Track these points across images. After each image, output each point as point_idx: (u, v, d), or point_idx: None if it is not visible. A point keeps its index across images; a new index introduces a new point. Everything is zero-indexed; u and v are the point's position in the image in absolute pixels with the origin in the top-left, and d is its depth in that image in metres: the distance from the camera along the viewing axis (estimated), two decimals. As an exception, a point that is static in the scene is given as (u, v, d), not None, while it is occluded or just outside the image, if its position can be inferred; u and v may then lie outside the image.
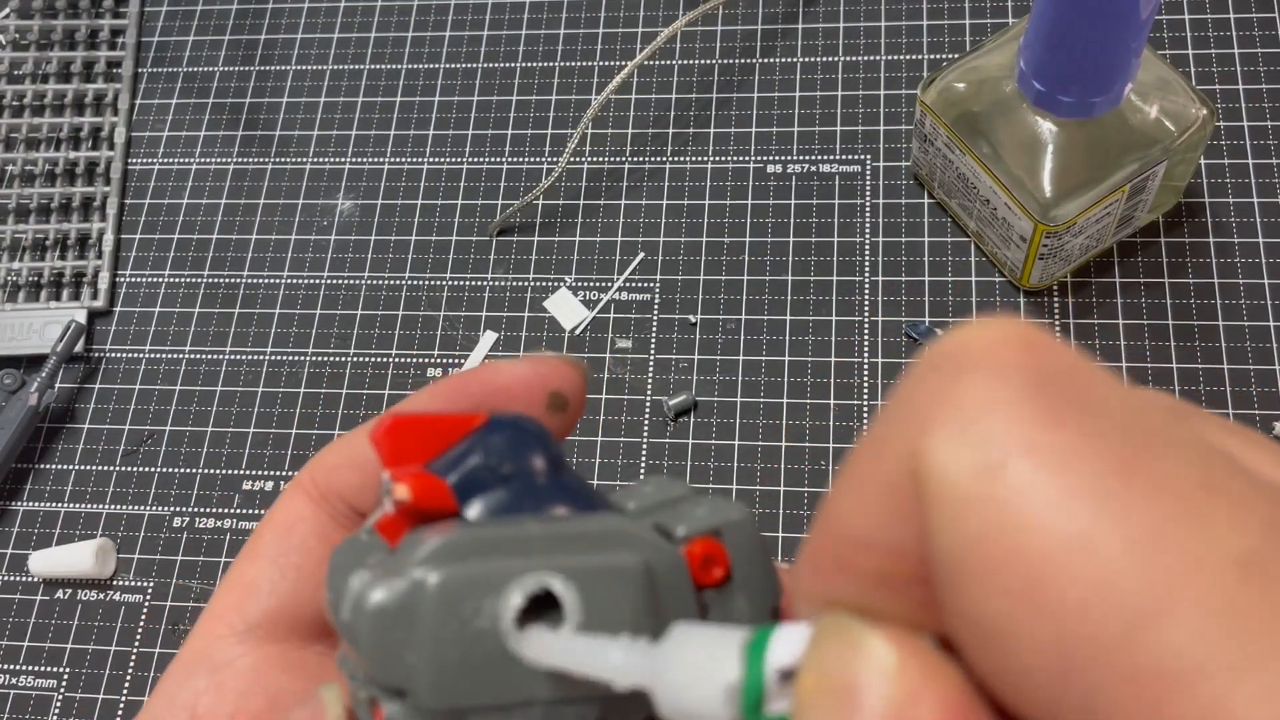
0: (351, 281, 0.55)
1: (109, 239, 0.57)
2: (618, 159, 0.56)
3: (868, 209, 0.53)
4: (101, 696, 0.49)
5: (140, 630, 0.50)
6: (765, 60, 0.57)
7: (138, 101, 0.61)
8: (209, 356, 0.55)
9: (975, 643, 0.11)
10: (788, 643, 0.13)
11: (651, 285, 0.53)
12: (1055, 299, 0.50)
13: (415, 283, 0.55)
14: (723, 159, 0.55)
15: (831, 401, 0.49)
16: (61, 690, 0.49)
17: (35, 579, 0.51)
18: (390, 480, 0.18)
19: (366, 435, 0.21)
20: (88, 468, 0.53)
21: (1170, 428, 0.11)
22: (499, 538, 0.17)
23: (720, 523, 0.18)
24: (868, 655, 0.12)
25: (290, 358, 0.54)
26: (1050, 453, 0.11)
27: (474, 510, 0.18)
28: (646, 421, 0.50)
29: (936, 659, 0.12)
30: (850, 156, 0.54)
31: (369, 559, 0.18)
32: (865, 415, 0.49)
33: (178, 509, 0.52)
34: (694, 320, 0.52)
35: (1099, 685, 0.10)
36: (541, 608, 0.16)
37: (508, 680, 0.16)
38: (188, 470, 0.52)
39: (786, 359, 0.50)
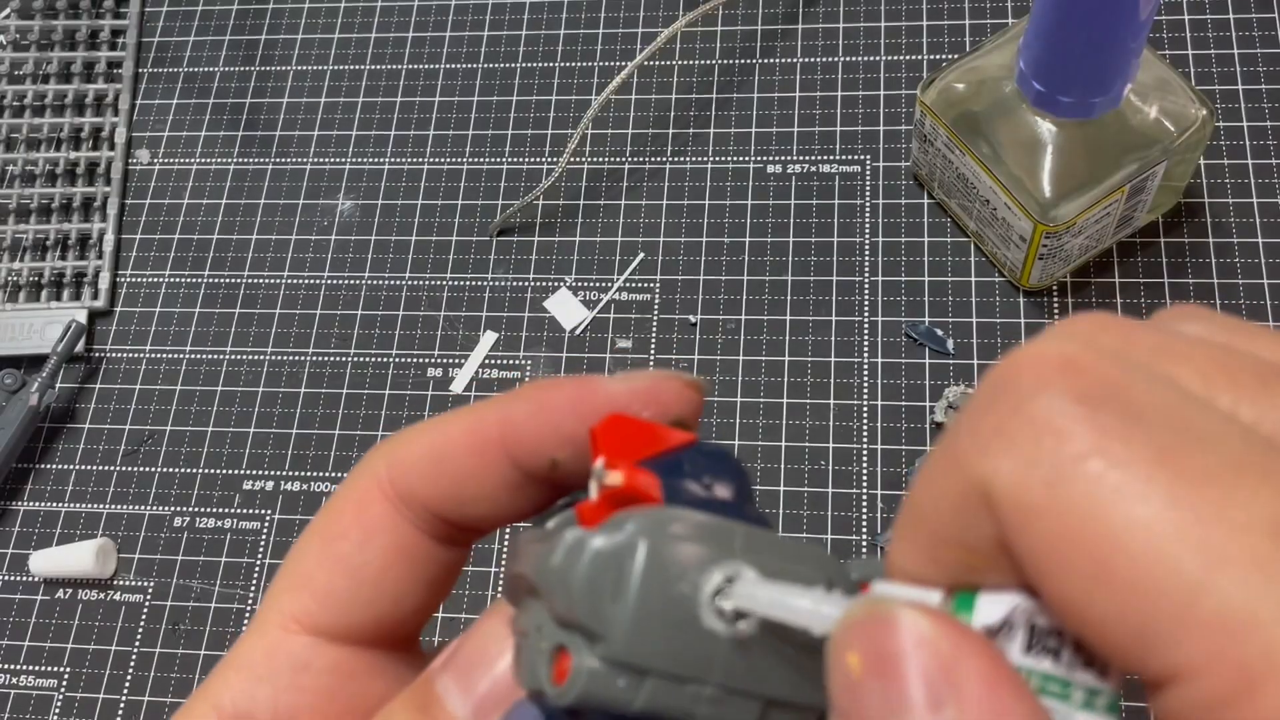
0: (351, 281, 0.55)
1: (109, 239, 0.57)
2: (618, 159, 0.56)
3: (868, 209, 0.53)
4: (102, 696, 0.49)
5: (140, 630, 0.50)
6: (765, 60, 0.57)
7: (138, 101, 0.61)
8: (209, 356, 0.55)
9: (1064, 618, 0.13)
10: (989, 605, 0.15)
11: (651, 285, 0.53)
12: (1055, 299, 0.50)
13: (415, 283, 0.55)
14: (723, 159, 0.55)
15: (831, 401, 0.49)
16: (62, 690, 0.49)
17: (36, 579, 0.51)
18: (604, 467, 0.19)
19: (446, 428, 0.21)
20: (88, 468, 0.53)
21: (1202, 420, 0.13)
22: (708, 524, 0.18)
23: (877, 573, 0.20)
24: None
25: (290, 358, 0.54)
26: (1100, 463, 0.13)
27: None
28: (646, 421, 0.50)
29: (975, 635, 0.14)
30: (850, 156, 0.54)
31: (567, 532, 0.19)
32: (865, 415, 0.49)
33: (178, 509, 0.52)
34: (694, 320, 0.52)
35: (1171, 641, 0.12)
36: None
37: (692, 654, 0.17)
38: (188, 470, 0.52)
39: (786, 359, 0.50)
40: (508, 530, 0.45)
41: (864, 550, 0.46)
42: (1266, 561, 0.12)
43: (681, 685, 0.17)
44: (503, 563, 0.49)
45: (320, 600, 0.21)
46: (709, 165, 0.55)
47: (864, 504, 0.47)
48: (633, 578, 0.17)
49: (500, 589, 0.21)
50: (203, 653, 0.49)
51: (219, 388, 0.54)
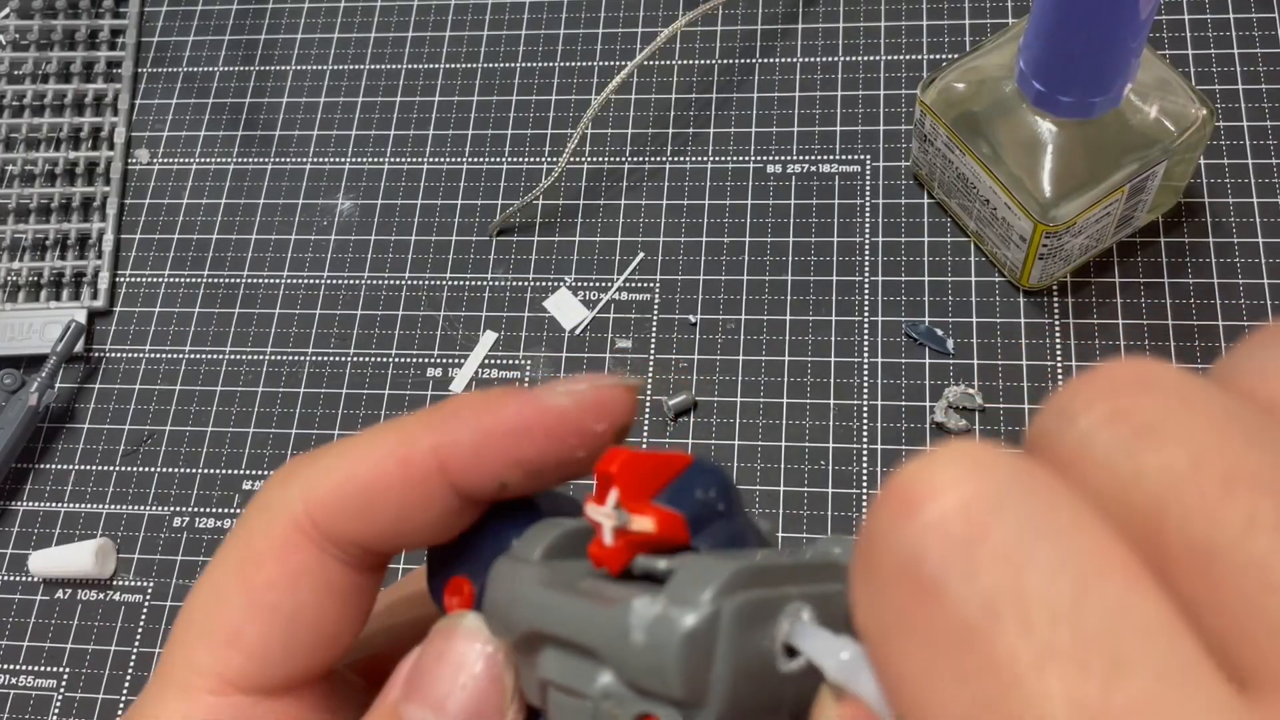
0: (351, 281, 0.55)
1: (109, 239, 0.57)
2: (618, 159, 0.56)
3: (868, 209, 0.53)
4: (101, 696, 0.49)
5: (140, 630, 0.50)
6: (765, 60, 0.57)
7: (137, 101, 0.61)
8: (209, 356, 0.55)
9: None
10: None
11: (651, 285, 0.53)
12: (1055, 299, 0.50)
13: (415, 283, 0.55)
14: (723, 159, 0.55)
15: (831, 401, 0.49)
16: (61, 690, 0.49)
17: (35, 579, 0.51)
18: (625, 511, 0.19)
19: (372, 458, 0.20)
20: (88, 468, 0.53)
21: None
22: (764, 568, 0.18)
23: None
24: None
25: (290, 358, 0.54)
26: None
27: (700, 543, 0.20)
28: (646, 421, 0.50)
29: None
30: (850, 156, 0.54)
31: (588, 584, 0.19)
32: (865, 415, 0.49)
33: (178, 509, 0.52)
34: (694, 320, 0.52)
35: (1227, 592, 0.12)
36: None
37: (771, 696, 0.18)
38: (188, 470, 0.52)
39: (786, 359, 0.50)
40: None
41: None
42: None
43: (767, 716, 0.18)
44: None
45: (255, 657, 0.19)
46: (709, 165, 0.55)
47: (864, 504, 0.47)
48: (723, 649, 0.17)
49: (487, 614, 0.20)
50: (202, 653, 0.49)
51: (219, 388, 0.54)
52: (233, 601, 0.20)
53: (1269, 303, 0.48)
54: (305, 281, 0.56)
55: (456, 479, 0.19)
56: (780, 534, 0.47)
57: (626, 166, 0.56)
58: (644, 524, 0.19)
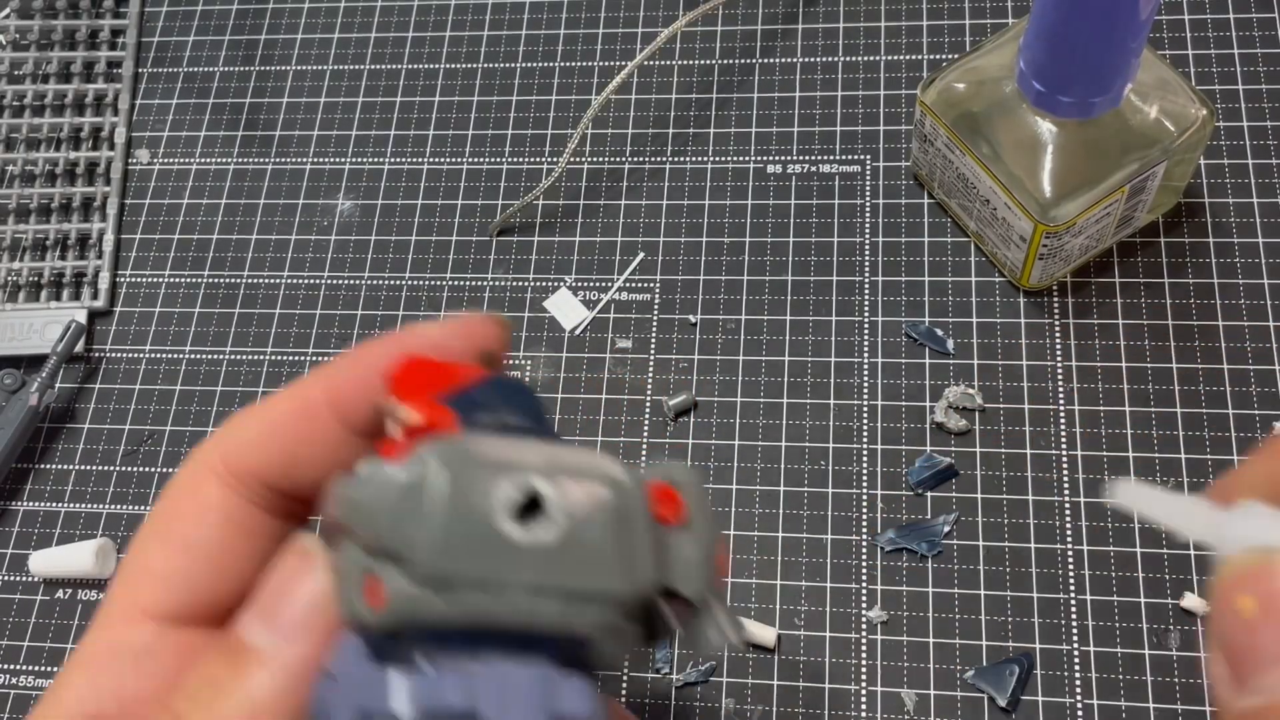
0: (351, 281, 0.55)
1: (109, 239, 0.57)
2: (618, 159, 0.56)
3: (868, 209, 0.53)
4: (101, 696, 0.49)
5: (140, 630, 0.50)
6: (765, 60, 0.57)
7: (138, 101, 0.61)
8: (209, 356, 0.55)
9: None
10: None
11: (651, 285, 0.53)
12: (1055, 299, 0.50)
13: (415, 283, 0.55)
14: (723, 159, 0.55)
15: (831, 401, 0.49)
16: (62, 690, 0.49)
17: (35, 579, 0.51)
18: (400, 404, 0.20)
19: (274, 402, 0.22)
20: (88, 468, 0.53)
21: None
22: (499, 443, 0.19)
23: (676, 475, 0.21)
24: None
25: (290, 358, 0.54)
26: None
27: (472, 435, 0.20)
28: (646, 421, 0.50)
29: None
30: (850, 156, 0.54)
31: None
32: (865, 415, 0.49)
33: (178, 509, 0.52)
34: (694, 320, 0.52)
35: None
36: (534, 505, 0.19)
37: (495, 562, 0.18)
38: (188, 470, 0.52)
39: (786, 359, 0.50)
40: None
41: (864, 551, 0.46)
42: None
43: (486, 590, 0.18)
44: None
45: (162, 584, 0.21)
46: (709, 165, 0.55)
47: (864, 504, 0.47)
48: (429, 498, 0.18)
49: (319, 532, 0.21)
50: (202, 653, 0.49)
51: (219, 388, 0.54)
52: (150, 537, 0.22)
53: (1269, 303, 0.48)
54: (305, 281, 0.56)
55: (339, 406, 0.22)
56: (779, 534, 0.47)
57: (626, 166, 0.56)
58: (411, 414, 0.20)
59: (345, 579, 0.19)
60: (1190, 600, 0.44)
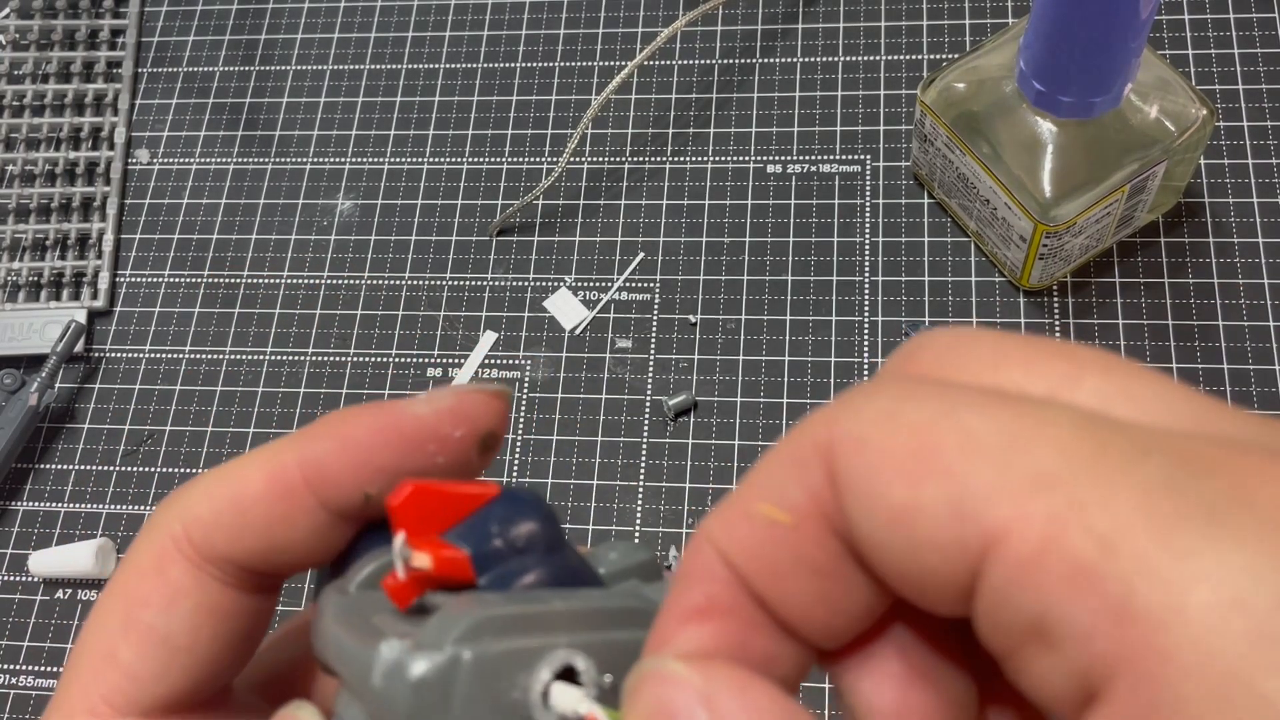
0: (351, 281, 0.55)
1: (109, 239, 0.57)
2: (618, 159, 0.56)
3: (868, 209, 0.53)
4: (101, 696, 0.49)
5: (140, 630, 0.50)
6: (765, 60, 0.57)
7: (137, 101, 0.61)
8: (209, 356, 0.55)
9: (884, 527, 0.14)
10: None
11: (651, 285, 0.53)
12: (1055, 299, 0.50)
13: (415, 283, 0.55)
14: (723, 159, 0.55)
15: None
16: (61, 690, 0.49)
17: (35, 579, 0.51)
18: (408, 547, 0.18)
19: (243, 476, 0.20)
20: (88, 468, 0.53)
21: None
22: (527, 614, 0.18)
23: None
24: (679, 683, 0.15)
25: (290, 358, 0.54)
26: (936, 389, 0.15)
27: (489, 581, 0.19)
28: (646, 421, 0.50)
29: (745, 675, 0.15)
30: (850, 156, 0.54)
31: (377, 619, 0.18)
32: (865, 415, 0.49)
33: (178, 509, 0.52)
34: (694, 320, 0.52)
35: (987, 505, 0.13)
36: (570, 675, 0.18)
37: None
38: (188, 470, 0.52)
39: (786, 359, 0.50)
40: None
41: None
42: (1068, 441, 0.13)
43: None
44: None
45: (128, 679, 0.19)
46: (709, 165, 0.55)
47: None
48: (458, 697, 0.17)
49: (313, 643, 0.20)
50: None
51: (219, 388, 0.54)
52: (111, 621, 0.20)
53: (1269, 303, 0.48)
54: (305, 281, 0.56)
55: (320, 491, 0.20)
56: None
57: (626, 166, 0.56)
58: (421, 560, 0.18)
59: None
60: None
